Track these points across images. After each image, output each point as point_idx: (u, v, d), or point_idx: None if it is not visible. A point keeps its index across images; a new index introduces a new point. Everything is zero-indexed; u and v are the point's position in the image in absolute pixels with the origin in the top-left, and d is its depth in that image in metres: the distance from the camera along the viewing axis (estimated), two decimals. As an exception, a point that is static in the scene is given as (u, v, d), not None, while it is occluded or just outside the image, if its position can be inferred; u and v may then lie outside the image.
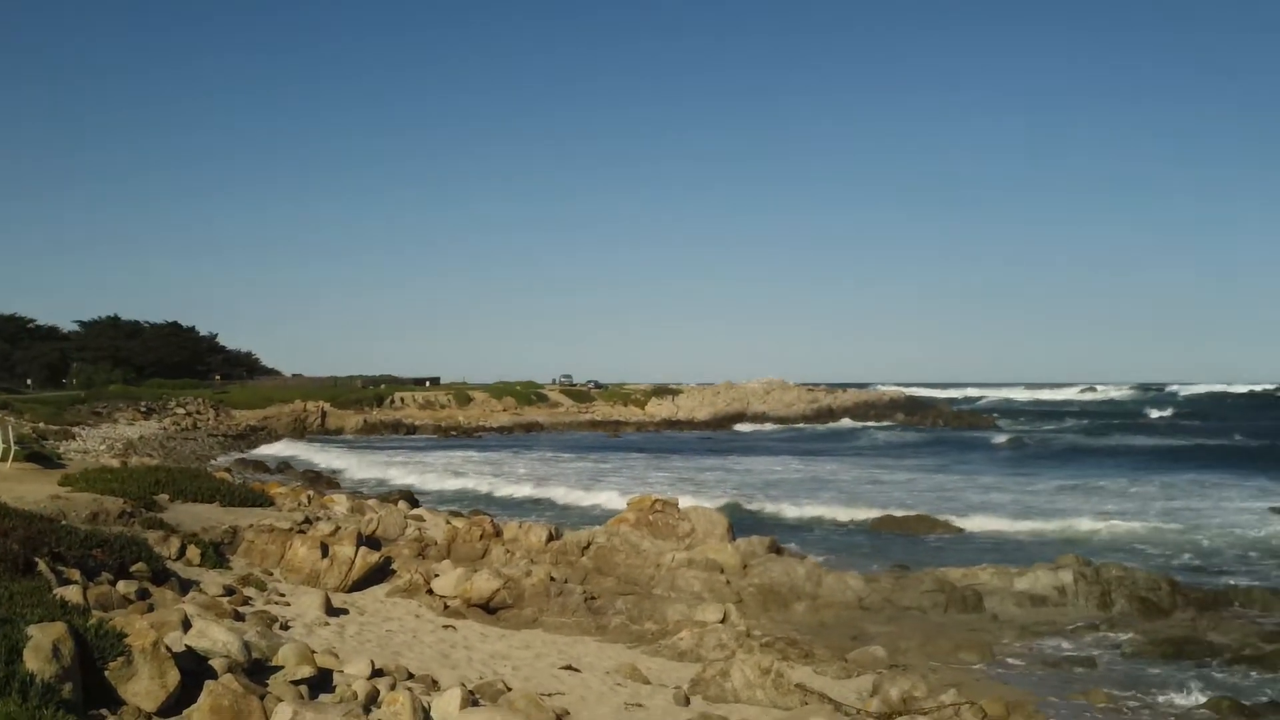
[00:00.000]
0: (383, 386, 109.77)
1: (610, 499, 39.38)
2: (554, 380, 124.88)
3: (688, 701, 13.48)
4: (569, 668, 14.88)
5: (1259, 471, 51.26)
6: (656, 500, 24.98)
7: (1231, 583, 23.41)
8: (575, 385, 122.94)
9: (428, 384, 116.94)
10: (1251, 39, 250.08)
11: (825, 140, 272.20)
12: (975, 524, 34.02)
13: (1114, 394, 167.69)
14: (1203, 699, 15.09)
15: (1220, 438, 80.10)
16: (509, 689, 12.30)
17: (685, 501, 27.92)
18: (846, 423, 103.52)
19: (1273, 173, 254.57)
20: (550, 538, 23.32)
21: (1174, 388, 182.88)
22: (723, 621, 17.84)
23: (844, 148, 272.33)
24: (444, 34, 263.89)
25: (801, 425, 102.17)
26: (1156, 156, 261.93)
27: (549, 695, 12.83)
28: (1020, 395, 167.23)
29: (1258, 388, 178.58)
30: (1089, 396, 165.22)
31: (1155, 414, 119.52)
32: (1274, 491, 42.99)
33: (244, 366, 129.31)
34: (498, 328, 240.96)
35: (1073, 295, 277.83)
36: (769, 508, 38.15)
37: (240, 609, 15.06)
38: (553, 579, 19.43)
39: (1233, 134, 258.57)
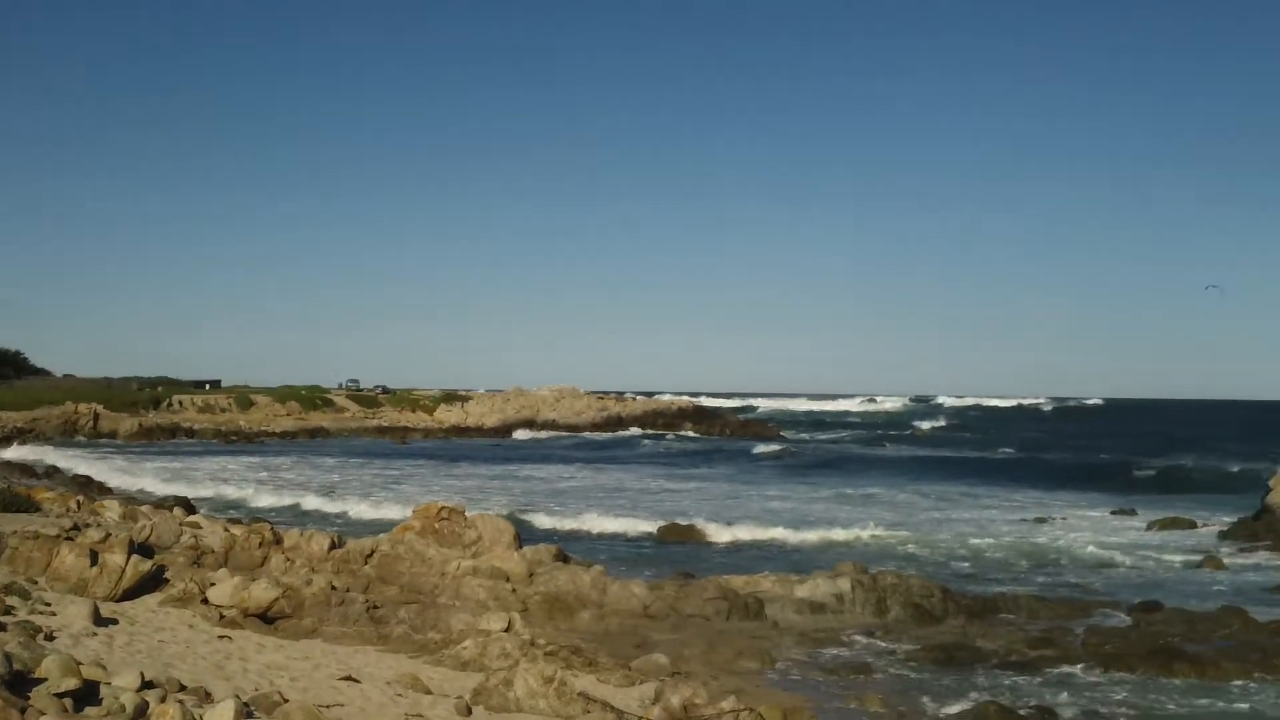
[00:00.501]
0: (160, 389, 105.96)
1: (396, 508, 38.77)
2: (340, 385, 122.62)
3: (469, 711, 13.33)
4: (349, 678, 14.56)
5: (1022, 482, 53.42)
6: (443, 507, 24.69)
7: (999, 590, 24.31)
8: (363, 390, 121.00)
9: (208, 387, 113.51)
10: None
11: (623, 149, 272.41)
12: (756, 532, 34.61)
13: (889, 405, 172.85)
14: (970, 704, 15.59)
15: (985, 449, 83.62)
16: (285, 700, 11.95)
17: (473, 509, 27.71)
18: (635, 431, 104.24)
19: (1021, 184, 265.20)
20: (333, 545, 22.83)
21: (941, 399, 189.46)
22: (507, 630, 17.72)
23: (639, 155, 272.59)
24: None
25: (591, 433, 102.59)
26: (922, 168, 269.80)
27: (327, 707, 12.53)
28: (802, 405, 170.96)
29: (1026, 401, 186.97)
30: (868, 408, 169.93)
31: (926, 425, 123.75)
32: (1040, 502, 44.91)
33: (10, 366, 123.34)
34: (282, 329, 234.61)
35: (859, 308, 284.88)
36: (556, 516, 38.17)
37: (1, 619, 14.32)
38: (334, 588, 19.02)
39: (980, 150, 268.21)
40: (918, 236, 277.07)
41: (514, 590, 21.14)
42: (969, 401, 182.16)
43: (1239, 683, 17.03)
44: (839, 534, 34.04)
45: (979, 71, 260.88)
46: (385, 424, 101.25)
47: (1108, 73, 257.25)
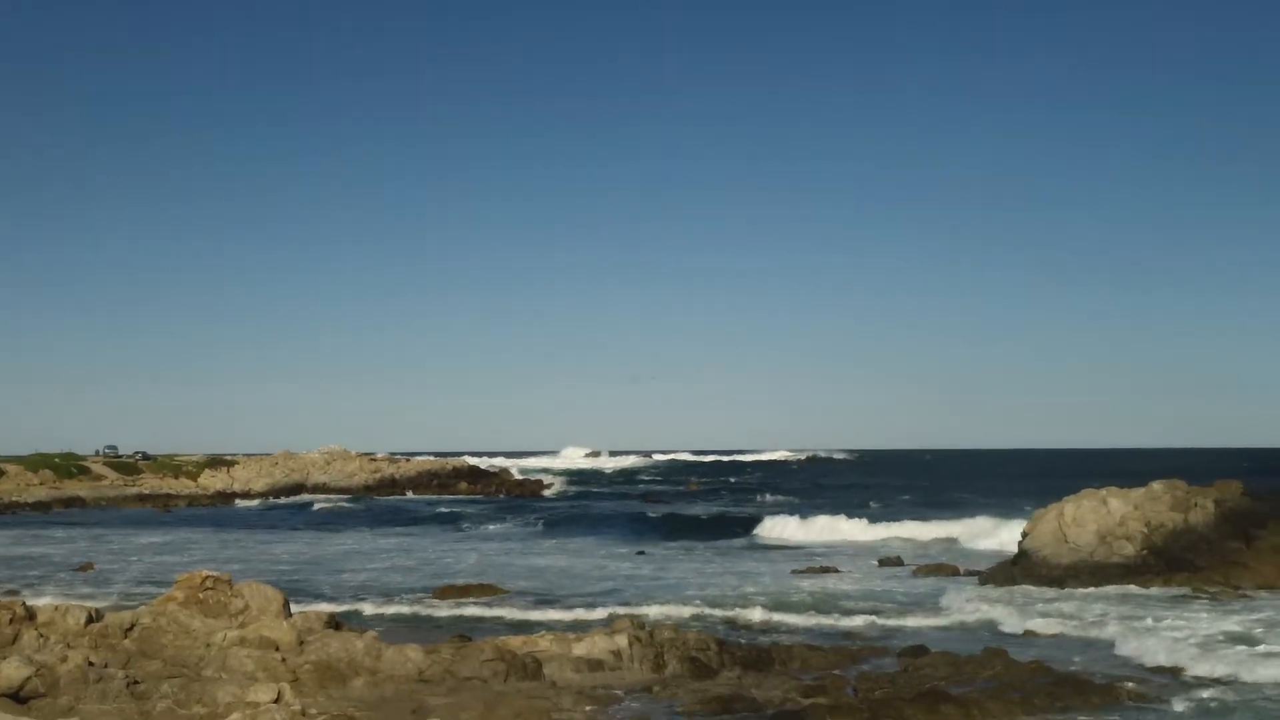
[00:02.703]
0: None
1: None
2: (97, 451, 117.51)
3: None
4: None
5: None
6: (207, 576, 23.81)
7: (773, 640, 24.71)
8: (121, 457, 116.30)
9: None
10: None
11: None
12: (534, 586, 34.58)
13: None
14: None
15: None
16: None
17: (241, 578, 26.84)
18: (410, 495, 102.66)
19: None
20: (90, 619, 21.76)
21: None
22: (276, 701, 17.13)
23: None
24: None
25: (363, 495, 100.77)
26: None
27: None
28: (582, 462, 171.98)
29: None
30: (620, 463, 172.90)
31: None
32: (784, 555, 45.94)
33: None
34: (32, 393, 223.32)
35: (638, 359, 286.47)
36: (331, 580, 37.32)
37: None
38: (91, 664, 18.13)
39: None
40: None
41: (284, 660, 20.48)
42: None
43: (1003, 721, 17.65)
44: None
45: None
46: (146, 491, 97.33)
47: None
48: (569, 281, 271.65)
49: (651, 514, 70.01)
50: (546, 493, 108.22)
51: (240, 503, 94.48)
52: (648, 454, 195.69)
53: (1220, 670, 20.92)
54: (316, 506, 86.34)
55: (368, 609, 31.37)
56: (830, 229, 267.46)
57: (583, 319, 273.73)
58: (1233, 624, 25.47)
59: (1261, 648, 22.40)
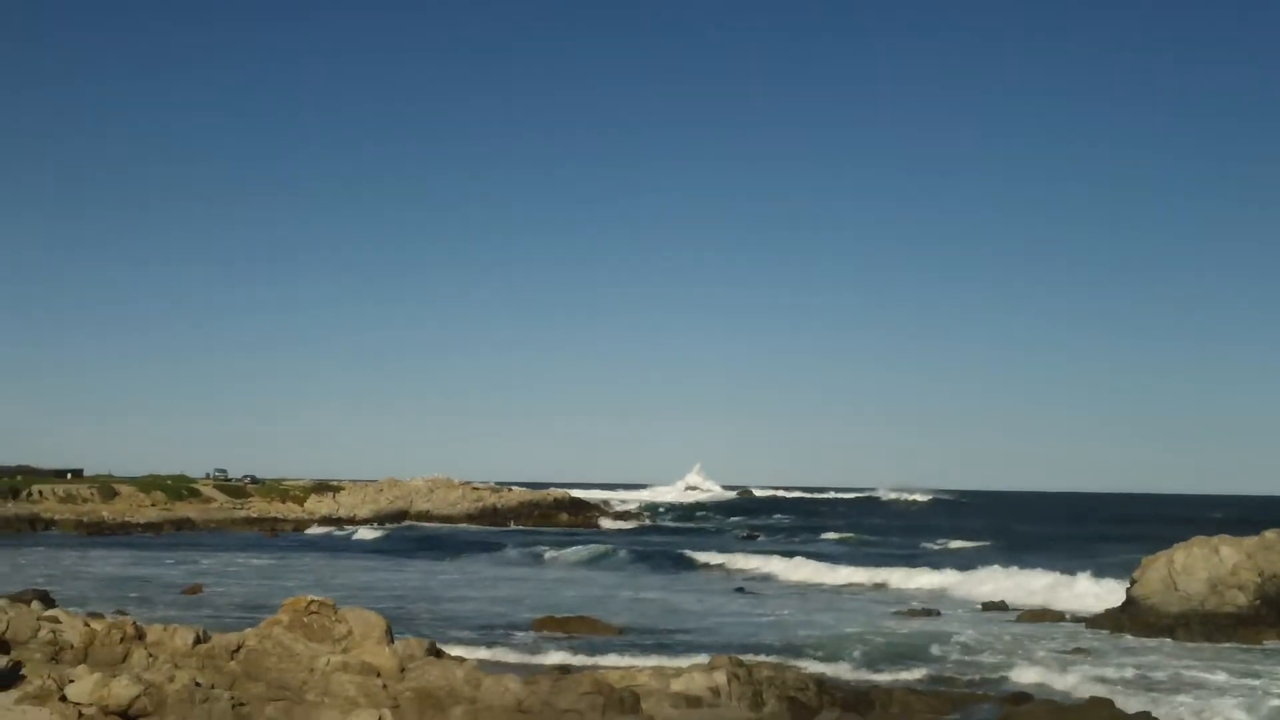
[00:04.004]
0: (18, 478, 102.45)
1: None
2: (208, 474, 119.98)
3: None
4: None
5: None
6: (311, 601, 24.14)
7: (874, 681, 24.46)
8: (230, 480, 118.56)
9: (69, 476, 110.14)
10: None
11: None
12: (631, 620, 34.64)
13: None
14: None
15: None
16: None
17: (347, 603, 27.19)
18: (512, 525, 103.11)
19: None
20: (198, 640, 22.18)
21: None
22: (378, 727, 17.33)
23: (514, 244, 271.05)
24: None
25: (466, 525, 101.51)
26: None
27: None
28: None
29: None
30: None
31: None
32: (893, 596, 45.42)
33: None
34: (147, 418, 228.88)
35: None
36: (432, 609, 37.66)
37: None
38: (198, 684, 18.46)
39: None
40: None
41: (384, 686, 20.70)
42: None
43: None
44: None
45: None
46: (254, 514, 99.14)
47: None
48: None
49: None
50: (648, 522, 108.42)
51: (348, 528, 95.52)
52: (745, 489, 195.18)
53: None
54: (418, 533, 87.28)
55: (467, 636, 31.60)
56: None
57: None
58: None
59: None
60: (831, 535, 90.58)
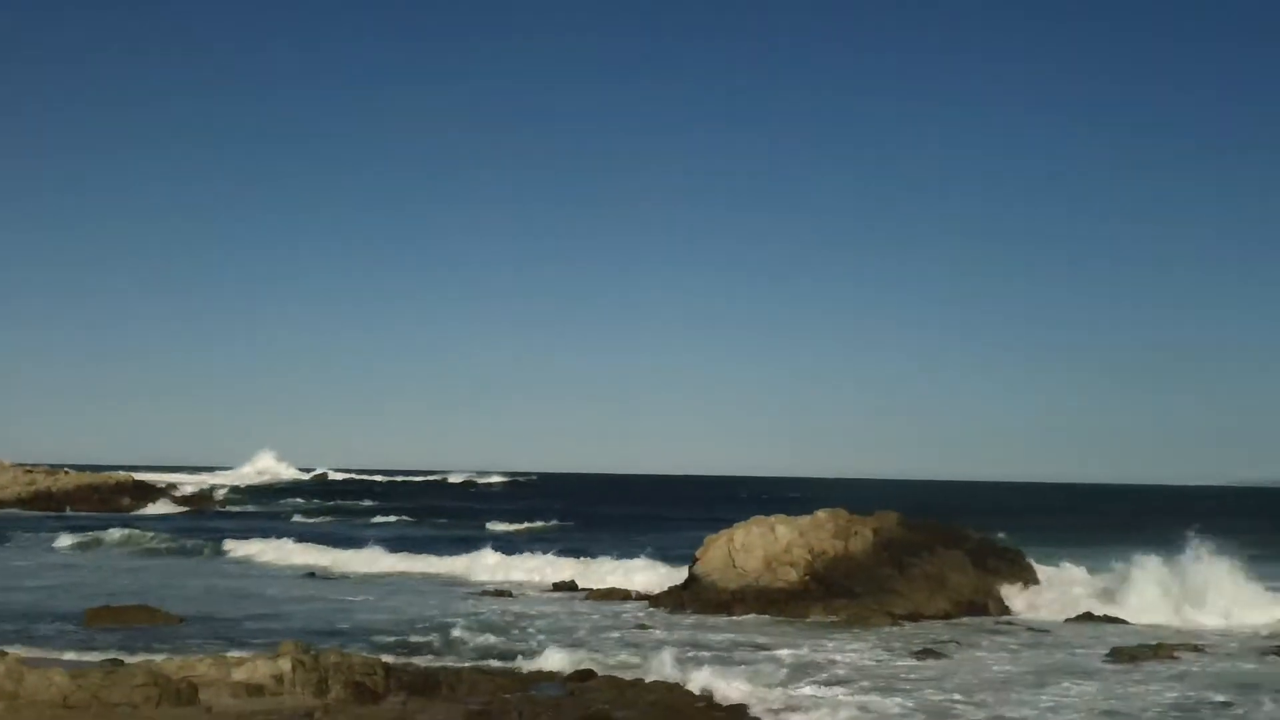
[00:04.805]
0: None
1: None
2: None
3: None
4: None
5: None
6: None
7: (443, 664, 24.45)
8: None
9: None
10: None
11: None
12: (196, 608, 33.27)
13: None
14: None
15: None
16: None
17: None
18: (69, 511, 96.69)
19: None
20: None
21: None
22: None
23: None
24: None
25: (17, 509, 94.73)
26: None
27: None
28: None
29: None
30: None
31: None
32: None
33: None
34: None
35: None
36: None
37: None
38: None
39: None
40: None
41: (-91, 685, 18.94)
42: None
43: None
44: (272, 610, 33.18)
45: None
46: None
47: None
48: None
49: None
50: (219, 508, 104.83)
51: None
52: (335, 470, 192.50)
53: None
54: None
55: (10, 630, 29.40)
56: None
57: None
58: (849, 651, 26.99)
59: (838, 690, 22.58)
60: (392, 519, 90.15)
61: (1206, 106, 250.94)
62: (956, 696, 21.73)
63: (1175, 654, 27.09)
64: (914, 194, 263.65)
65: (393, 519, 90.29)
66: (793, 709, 20.00)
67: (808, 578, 35.87)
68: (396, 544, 56.16)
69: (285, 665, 21.17)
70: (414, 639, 28.64)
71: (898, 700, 21.16)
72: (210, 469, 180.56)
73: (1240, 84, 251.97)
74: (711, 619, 33.46)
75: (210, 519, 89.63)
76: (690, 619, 33.56)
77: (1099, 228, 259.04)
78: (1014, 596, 36.33)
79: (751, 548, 36.82)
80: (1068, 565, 40.65)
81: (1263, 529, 71.95)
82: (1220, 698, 21.75)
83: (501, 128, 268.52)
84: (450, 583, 44.13)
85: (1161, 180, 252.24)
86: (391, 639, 28.73)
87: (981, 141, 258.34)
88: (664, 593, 37.53)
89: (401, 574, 47.40)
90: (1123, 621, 33.80)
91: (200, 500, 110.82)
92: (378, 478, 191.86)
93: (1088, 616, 34.55)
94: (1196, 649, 28.12)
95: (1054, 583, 38.05)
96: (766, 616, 33.60)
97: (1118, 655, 26.74)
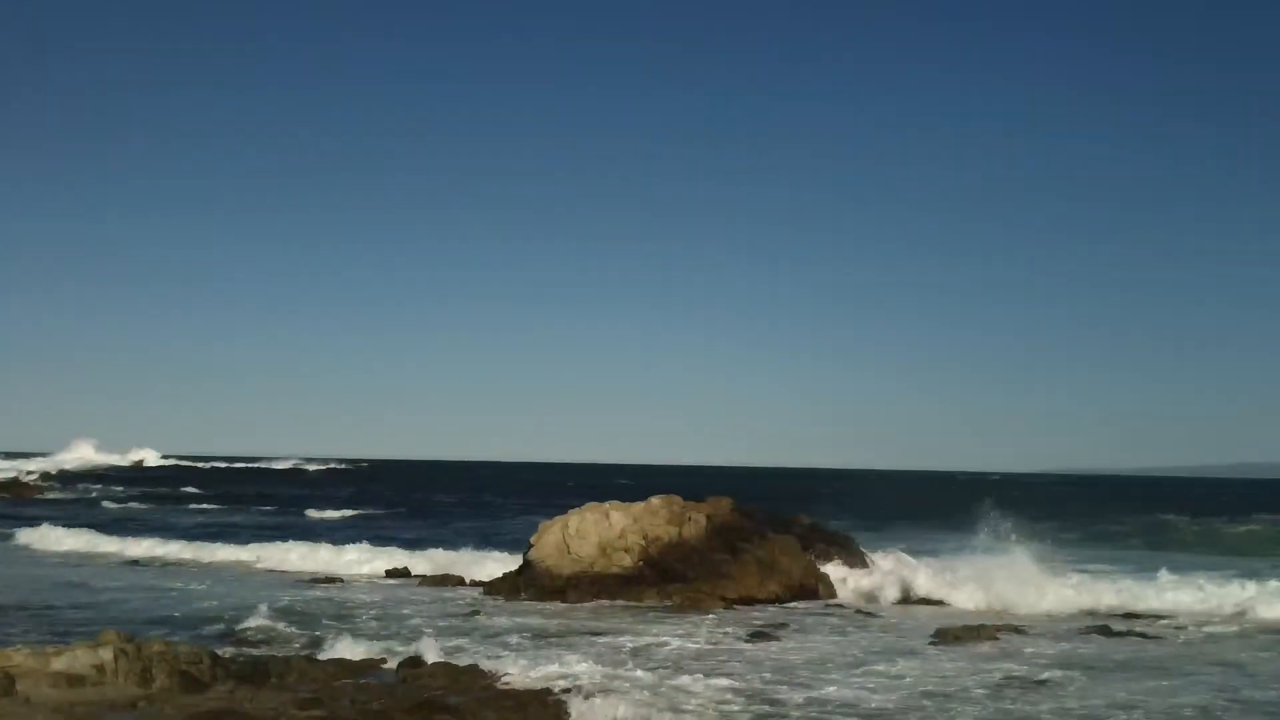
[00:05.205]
0: None
1: None
2: None
3: None
4: None
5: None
6: None
7: (274, 652, 24.01)
8: None
9: None
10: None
11: None
12: (14, 598, 32.11)
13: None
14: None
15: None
16: None
17: None
18: None
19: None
20: None
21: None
22: None
23: None
24: None
25: None
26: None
27: None
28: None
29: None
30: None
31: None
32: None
33: None
34: None
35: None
36: None
37: None
38: None
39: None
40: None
41: None
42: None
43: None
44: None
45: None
46: None
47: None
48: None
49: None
50: (36, 495, 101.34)
51: None
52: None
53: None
54: None
55: None
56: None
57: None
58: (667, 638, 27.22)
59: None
60: (214, 506, 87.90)
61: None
62: (779, 677, 22.05)
63: (997, 635, 28.03)
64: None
65: (214, 506, 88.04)
66: (610, 692, 20.00)
67: (642, 563, 36.08)
68: (219, 532, 54.88)
69: (107, 655, 20.57)
70: (240, 628, 27.91)
71: (719, 682, 21.33)
72: (26, 455, 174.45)
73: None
74: (546, 605, 33.49)
75: (24, 506, 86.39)
76: (524, 605, 33.52)
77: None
78: (844, 580, 37.09)
79: (586, 534, 36.89)
80: (898, 550, 41.62)
81: (1082, 514, 74.99)
82: (1040, 676, 22.53)
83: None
84: (277, 571, 43.29)
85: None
86: (217, 628, 28.07)
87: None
88: (499, 579, 37.39)
89: (226, 562, 46.32)
90: (950, 605, 34.73)
91: (13, 487, 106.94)
92: (201, 465, 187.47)
93: (916, 600, 35.50)
94: (1018, 630, 29.08)
95: (884, 567, 38.89)
96: (601, 602, 33.71)
97: (942, 636, 27.47)
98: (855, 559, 38.88)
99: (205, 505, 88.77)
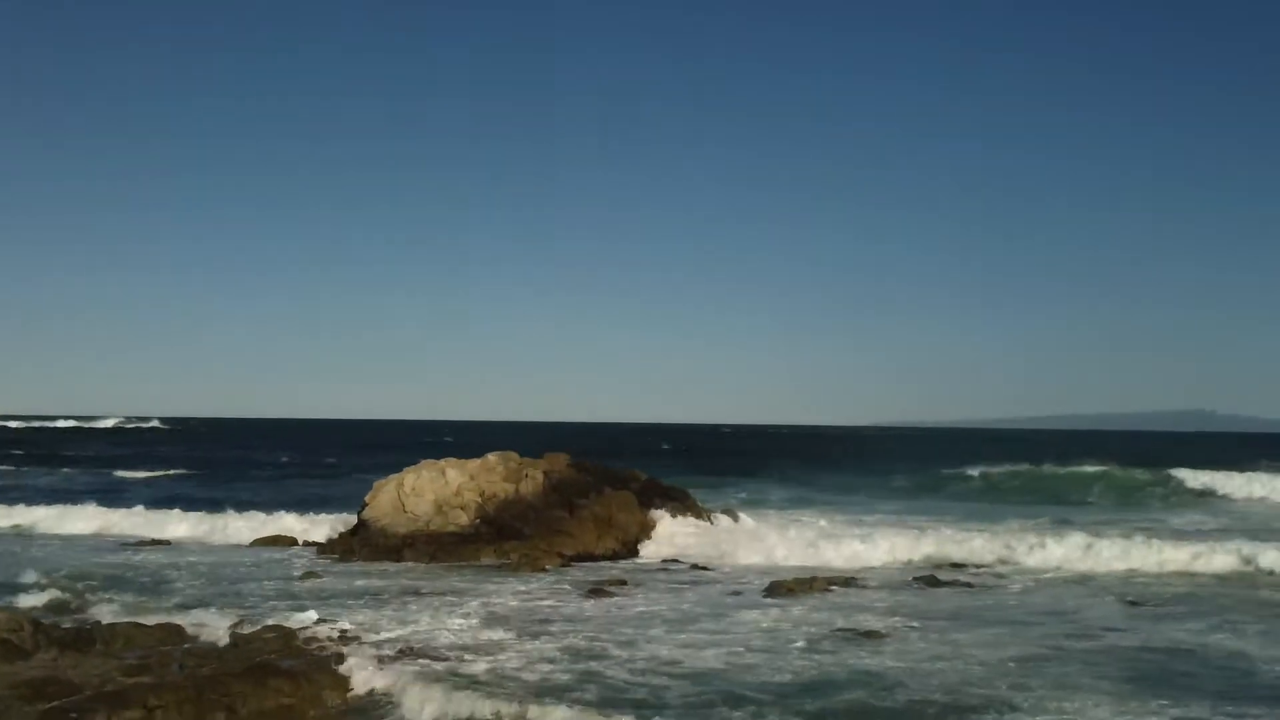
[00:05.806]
0: None
1: None
2: None
3: None
4: None
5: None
6: None
7: (95, 619, 23.36)
8: None
9: None
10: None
11: None
12: None
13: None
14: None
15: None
16: None
17: None
18: None
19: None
20: None
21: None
22: None
23: None
24: None
25: None
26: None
27: None
28: None
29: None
30: None
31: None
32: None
33: None
34: None
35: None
36: None
37: None
38: None
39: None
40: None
41: None
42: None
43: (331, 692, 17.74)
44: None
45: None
46: None
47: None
48: None
49: None
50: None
51: None
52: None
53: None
54: None
55: None
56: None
57: None
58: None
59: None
60: (25, 468, 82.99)
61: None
62: (608, 635, 21.97)
63: (830, 587, 28.58)
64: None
65: (25, 468, 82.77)
66: (435, 659, 19.70)
67: (479, 520, 35.98)
68: (35, 495, 52.89)
69: (-80, 625, 19.77)
70: (60, 595, 26.97)
71: (543, 642, 21.18)
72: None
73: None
74: (380, 565, 33.09)
75: None
76: (359, 566, 33.04)
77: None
78: (680, 535, 37.40)
79: (422, 492, 36.63)
80: (735, 505, 42.14)
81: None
82: (868, 627, 22.98)
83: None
84: (99, 535, 41.97)
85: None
86: (38, 596, 27.02)
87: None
88: (333, 539, 36.94)
89: (40, 527, 44.52)
90: (785, 559, 35.09)
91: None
92: (12, 424, 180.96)
93: (753, 554, 35.82)
94: (849, 582, 29.67)
95: (721, 522, 39.37)
96: (437, 561, 33.43)
97: (775, 590, 27.91)
98: (693, 513, 39.26)
99: (17, 466, 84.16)
